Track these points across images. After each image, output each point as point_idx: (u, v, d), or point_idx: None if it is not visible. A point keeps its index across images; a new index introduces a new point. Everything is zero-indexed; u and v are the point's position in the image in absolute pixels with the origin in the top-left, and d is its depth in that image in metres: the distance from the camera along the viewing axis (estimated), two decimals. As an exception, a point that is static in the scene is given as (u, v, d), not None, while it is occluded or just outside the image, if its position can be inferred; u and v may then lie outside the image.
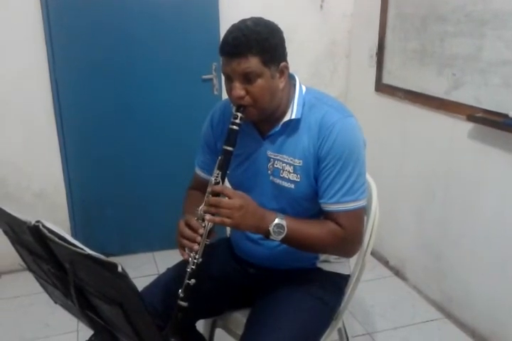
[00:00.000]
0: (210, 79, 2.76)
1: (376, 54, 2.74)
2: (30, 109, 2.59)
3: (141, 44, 2.64)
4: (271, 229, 1.25)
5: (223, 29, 2.60)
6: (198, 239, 1.23)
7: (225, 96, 2.66)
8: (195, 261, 1.25)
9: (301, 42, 2.84)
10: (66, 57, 2.56)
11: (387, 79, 2.69)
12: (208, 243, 1.25)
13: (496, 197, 2.04)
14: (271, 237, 1.27)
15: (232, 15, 2.61)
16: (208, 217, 1.22)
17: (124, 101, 2.71)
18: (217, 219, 1.21)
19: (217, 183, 1.26)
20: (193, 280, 1.25)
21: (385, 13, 2.62)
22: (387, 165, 2.70)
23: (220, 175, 1.26)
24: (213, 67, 2.72)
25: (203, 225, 1.23)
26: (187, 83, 2.75)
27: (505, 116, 1.87)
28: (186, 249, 1.26)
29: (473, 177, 2.14)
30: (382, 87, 2.73)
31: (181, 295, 1.25)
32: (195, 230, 1.23)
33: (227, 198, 1.22)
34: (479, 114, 2.01)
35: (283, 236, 1.26)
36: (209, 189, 1.25)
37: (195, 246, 1.23)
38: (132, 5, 2.57)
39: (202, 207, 1.24)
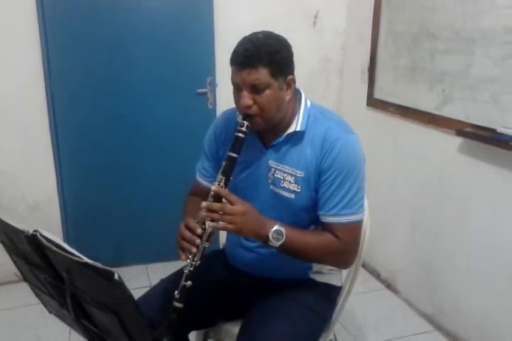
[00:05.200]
0: (205, 93, 2.79)
1: (368, 70, 2.79)
2: (25, 122, 2.61)
3: (136, 58, 2.67)
4: (270, 234, 1.27)
5: (218, 44, 2.69)
6: (198, 241, 1.25)
7: (219, 110, 2.71)
8: (194, 263, 1.27)
9: (294, 57, 2.88)
10: (62, 72, 2.59)
11: (378, 95, 2.74)
12: (207, 246, 1.28)
13: (486, 210, 2.07)
14: (269, 243, 1.29)
15: (226, 30, 2.68)
16: (211, 223, 1.24)
17: (118, 114, 2.73)
18: (219, 225, 1.24)
19: None
20: (189, 282, 1.27)
21: (376, 30, 2.68)
22: (378, 178, 2.73)
23: (223, 181, 1.29)
24: (208, 81, 2.76)
25: (203, 228, 1.26)
26: (182, 97, 2.78)
27: (494, 131, 1.91)
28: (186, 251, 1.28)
29: (463, 191, 2.18)
30: (373, 102, 2.78)
31: (177, 296, 1.27)
32: (194, 232, 1.26)
33: (229, 204, 1.25)
34: (468, 129, 2.05)
35: (281, 242, 1.28)
36: (212, 192, 1.27)
37: (194, 249, 1.25)
38: (128, 20, 2.61)
39: (203, 211, 1.26)
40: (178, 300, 1.27)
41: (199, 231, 1.25)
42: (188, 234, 1.27)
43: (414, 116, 2.43)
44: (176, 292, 1.27)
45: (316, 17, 2.95)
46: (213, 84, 2.76)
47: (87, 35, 2.58)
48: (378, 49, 2.69)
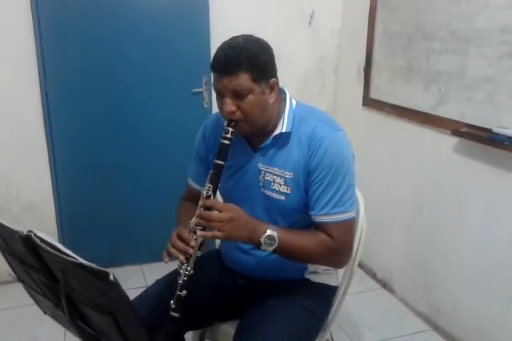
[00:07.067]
0: (201, 93, 2.79)
1: (364, 69, 2.79)
2: (19, 121, 2.60)
3: (131, 57, 2.66)
4: (262, 240, 1.27)
5: (214, 44, 2.69)
6: (190, 251, 1.24)
7: (215, 109, 2.70)
8: (187, 272, 1.26)
9: (290, 57, 2.89)
10: (56, 71, 2.57)
11: (374, 94, 2.74)
12: (199, 255, 1.27)
13: (482, 209, 2.07)
14: (262, 248, 1.28)
15: (222, 30, 2.68)
16: (199, 232, 1.23)
17: (114, 113, 2.72)
18: (208, 234, 1.23)
19: (208, 197, 1.27)
20: (184, 292, 1.26)
21: (372, 30, 2.68)
22: (374, 178, 2.73)
23: (211, 189, 1.27)
24: (203, 80, 2.75)
25: (195, 238, 1.24)
26: (178, 96, 2.78)
27: (489, 131, 1.92)
28: (178, 262, 1.28)
29: (459, 191, 2.18)
30: (369, 102, 2.78)
31: (173, 306, 1.26)
32: (186, 242, 1.24)
33: (217, 211, 1.24)
34: (464, 129, 2.06)
35: (274, 247, 1.28)
36: (200, 202, 1.27)
37: (181, 257, 1.24)
38: (123, 18, 2.61)
39: (194, 220, 1.25)
40: (174, 310, 1.26)
41: (192, 243, 1.24)
42: (180, 244, 1.25)
43: (410, 116, 2.43)
44: (172, 302, 1.27)
45: (311, 17, 2.94)
46: (209, 84, 2.75)
47: (82, 33, 2.56)
48: (374, 49, 2.69)
